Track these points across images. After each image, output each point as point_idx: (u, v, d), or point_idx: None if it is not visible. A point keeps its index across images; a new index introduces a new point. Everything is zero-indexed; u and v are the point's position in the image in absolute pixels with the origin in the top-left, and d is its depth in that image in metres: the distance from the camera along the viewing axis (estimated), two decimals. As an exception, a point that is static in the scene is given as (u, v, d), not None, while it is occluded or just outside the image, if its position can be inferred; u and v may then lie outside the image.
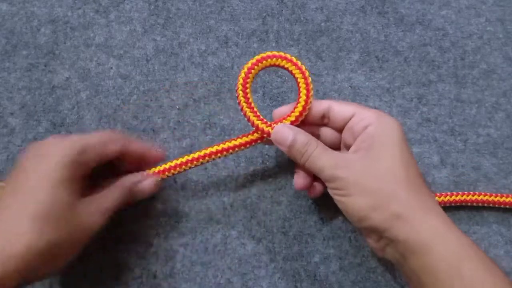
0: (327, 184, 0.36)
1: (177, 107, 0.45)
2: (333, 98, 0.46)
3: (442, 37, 0.50)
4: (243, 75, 0.37)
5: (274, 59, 0.37)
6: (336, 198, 0.35)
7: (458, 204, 0.43)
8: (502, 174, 0.45)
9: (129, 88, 0.45)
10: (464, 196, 0.42)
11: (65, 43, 0.46)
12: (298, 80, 0.37)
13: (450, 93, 0.48)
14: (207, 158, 0.38)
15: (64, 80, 0.45)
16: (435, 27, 0.51)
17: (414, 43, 0.50)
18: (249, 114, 0.37)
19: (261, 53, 0.37)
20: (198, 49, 0.47)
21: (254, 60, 0.37)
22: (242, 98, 0.37)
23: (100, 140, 0.35)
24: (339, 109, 0.37)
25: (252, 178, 0.43)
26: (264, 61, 0.37)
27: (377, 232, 0.34)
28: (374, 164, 0.34)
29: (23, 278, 0.29)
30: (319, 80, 0.47)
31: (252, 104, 0.38)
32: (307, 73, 0.37)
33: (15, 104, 0.44)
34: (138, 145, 0.38)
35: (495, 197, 0.43)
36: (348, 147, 0.37)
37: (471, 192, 0.43)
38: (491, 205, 0.43)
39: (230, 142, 0.38)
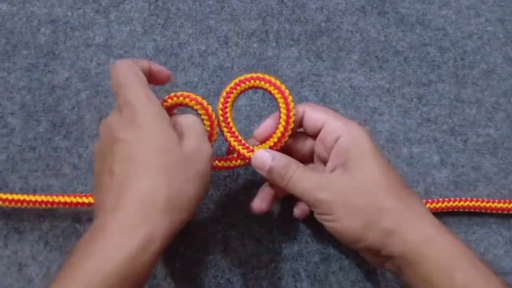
0: (313, 209, 0.35)
1: (177, 107, 0.45)
2: (333, 98, 0.46)
3: (442, 37, 0.50)
4: (222, 100, 0.36)
5: (253, 81, 0.35)
6: (326, 224, 0.34)
7: (455, 210, 0.42)
8: (502, 174, 0.45)
9: (129, 88, 0.45)
10: (462, 203, 0.42)
11: (65, 43, 0.46)
12: (279, 102, 0.35)
13: (450, 93, 0.48)
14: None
15: (64, 80, 0.45)
16: (435, 27, 0.51)
17: (414, 43, 0.50)
18: (230, 139, 0.36)
19: (239, 76, 0.36)
20: (198, 49, 0.47)
21: (232, 84, 0.35)
22: (222, 123, 0.36)
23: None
24: (311, 117, 0.36)
25: (252, 178, 0.43)
26: (243, 84, 0.35)
27: (373, 251, 0.33)
28: (354, 180, 0.33)
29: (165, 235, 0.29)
30: (319, 80, 0.47)
31: (233, 129, 0.36)
32: (288, 96, 0.35)
33: (15, 104, 0.44)
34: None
35: (493, 203, 0.42)
36: (322, 160, 0.36)
37: (469, 198, 0.42)
38: (492, 211, 0.42)
39: (215, 162, 0.37)
